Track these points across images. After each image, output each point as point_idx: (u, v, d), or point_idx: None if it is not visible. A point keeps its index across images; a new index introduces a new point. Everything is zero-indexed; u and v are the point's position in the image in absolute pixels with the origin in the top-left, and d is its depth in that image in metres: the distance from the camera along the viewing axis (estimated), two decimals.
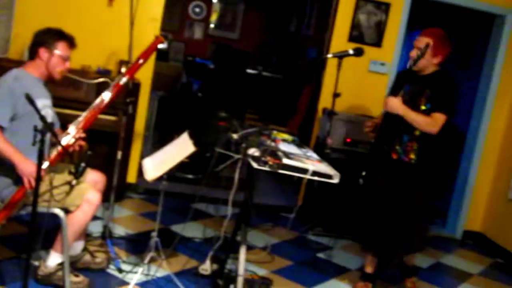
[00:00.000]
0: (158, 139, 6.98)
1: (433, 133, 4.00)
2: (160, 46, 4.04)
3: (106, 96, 3.62)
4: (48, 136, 3.02)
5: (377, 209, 4.23)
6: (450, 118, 4.04)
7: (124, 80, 3.72)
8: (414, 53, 4.01)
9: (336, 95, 4.26)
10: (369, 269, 4.41)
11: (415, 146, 4.09)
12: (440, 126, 3.99)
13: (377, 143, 4.18)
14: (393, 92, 4.12)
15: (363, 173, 4.20)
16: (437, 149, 4.15)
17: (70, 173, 3.43)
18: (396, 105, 3.99)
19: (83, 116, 3.55)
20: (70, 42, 3.59)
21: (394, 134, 4.11)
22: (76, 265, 3.79)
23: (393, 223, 4.17)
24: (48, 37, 3.53)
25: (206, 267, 4.08)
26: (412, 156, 4.10)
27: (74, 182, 3.39)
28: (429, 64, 4.04)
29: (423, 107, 4.02)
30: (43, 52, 3.50)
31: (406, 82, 4.11)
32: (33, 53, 3.54)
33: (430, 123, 3.98)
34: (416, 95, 4.05)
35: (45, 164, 3.31)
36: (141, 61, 3.86)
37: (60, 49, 3.52)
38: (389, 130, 4.11)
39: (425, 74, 4.09)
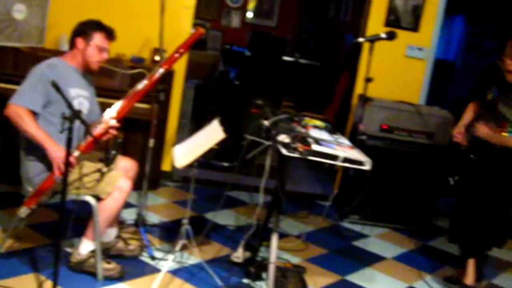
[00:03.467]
0: (195, 127, 7.00)
1: None
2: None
3: (141, 86, 3.63)
4: (78, 124, 3.06)
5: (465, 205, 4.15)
6: None
7: (160, 71, 3.70)
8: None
9: (368, 79, 4.18)
10: (469, 280, 4.19)
11: None
12: None
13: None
14: (478, 92, 3.99)
15: (456, 178, 4.11)
16: None
17: (101, 160, 3.46)
18: (487, 135, 3.91)
19: (117, 106, 3.57)
20: (109, 33, 3.63)
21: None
22: (109, 252, 3.81)
23: (479, 211, 4.05)
24: (86, 27, 3.58)
25: (239, 255, 4.06)
26: None
27: (105, 169, 3.42)
28: None
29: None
30: (80, 42, 3.56)
31: (495, 84, 3.95)
32: (71, 43, 3.61)
33: None
34: (508, 107, 3.89)
35: (77, 153, 3.34)
36: (178, 53, 3.83)
37: (97, 40, 3.56)
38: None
39: None
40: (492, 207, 4.03)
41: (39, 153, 3.37)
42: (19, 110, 3.30)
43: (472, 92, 4.21)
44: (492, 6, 7.97)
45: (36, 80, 3.37)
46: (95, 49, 3.57)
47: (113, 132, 3.51)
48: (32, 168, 3.46)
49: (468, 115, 4.24)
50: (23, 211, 3.36)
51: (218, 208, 4.67)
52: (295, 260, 4.38)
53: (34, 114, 3.34)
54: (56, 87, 2.95)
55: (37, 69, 3.43)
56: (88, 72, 3.68)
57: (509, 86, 3.87)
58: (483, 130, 3.95)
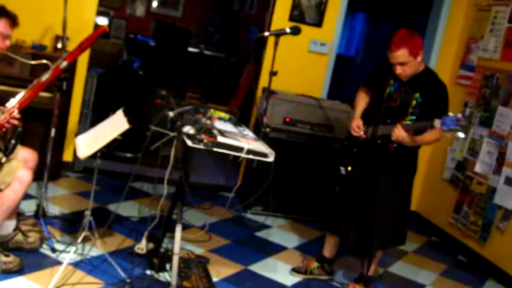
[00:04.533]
0: (98, 117, 6.86)
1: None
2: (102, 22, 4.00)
3: (44, 78, 3.55)
4: None
5: (352, 201, 4.19)
6: None
7: (64, 64, 3.67)
8: (400, 70, 3.83)
9: (272, 73, 4.24)
10: (327, 253, 4.44)
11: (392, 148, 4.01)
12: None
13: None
14: (376, 85, 4.10)
15: (349, 168, 4.19)
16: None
17: None
18: (404, 139, 3.83)
19: (19, 96, 3.47)
20: (12, 20, 3.53)
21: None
22: (7, 245, 3.70)
23: (367, 215, 4.10)
24: None
25: (142, 246, 4.04)
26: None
27: (3, 159, 3.32)
28: (417, 66, 3.88)
29: (411, 110, 3.91)
30: None
31: (393, 78, 3.97)
32: None
33: (438, 137, 3.90)
34: (406, 102, 3.92)
35: None
36: (81, 49, 3.81)
37: (0, 26, 3.46)
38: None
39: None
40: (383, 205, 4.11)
41: None
42: None
43: (364, 81, 4.32)
44: (391, 3, 8.26)
45: None
46: None
47: (14, 122, 3.41)
48: None
49: (361, 105, 4.26)
50: None
51: (121, 199, 4.61)
52: (199, 251, 4.41)
53: None
54: None
55: None
56: None
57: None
58: (401, 133, 3.85)
